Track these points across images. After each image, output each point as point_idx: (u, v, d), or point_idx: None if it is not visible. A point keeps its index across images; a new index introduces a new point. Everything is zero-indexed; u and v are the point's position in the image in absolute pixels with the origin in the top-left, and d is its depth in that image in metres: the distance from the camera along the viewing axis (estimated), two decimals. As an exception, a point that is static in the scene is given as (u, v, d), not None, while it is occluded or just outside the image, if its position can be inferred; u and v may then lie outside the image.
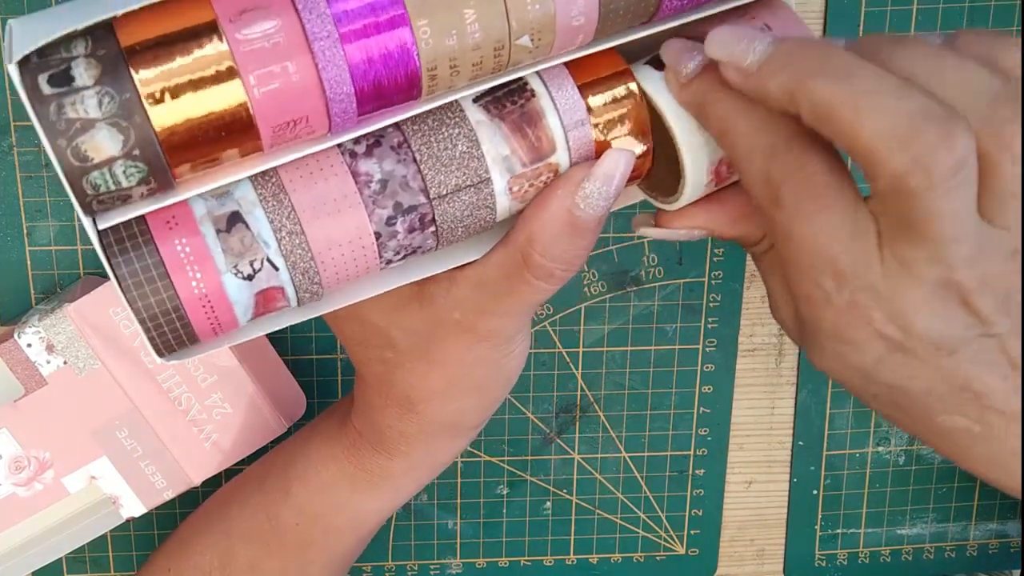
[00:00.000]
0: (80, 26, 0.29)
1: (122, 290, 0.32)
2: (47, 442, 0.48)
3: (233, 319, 0.34)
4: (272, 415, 0.50)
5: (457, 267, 0.37)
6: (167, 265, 0.32)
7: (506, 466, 0.56)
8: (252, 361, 0.50)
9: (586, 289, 0.54)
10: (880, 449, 0.57)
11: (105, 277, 0.49)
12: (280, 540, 0.45)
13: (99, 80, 0.29)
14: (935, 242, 0.31)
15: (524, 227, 0.35)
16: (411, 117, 0.34)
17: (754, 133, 0.33)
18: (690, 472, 0.57)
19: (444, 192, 0.34)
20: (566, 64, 0.35)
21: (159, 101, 0.30)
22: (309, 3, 0.30)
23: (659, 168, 0.37)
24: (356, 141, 0.34)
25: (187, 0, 0.30)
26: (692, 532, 0.58)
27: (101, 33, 0.30)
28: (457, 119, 0.34)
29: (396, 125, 0.34)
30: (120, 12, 0.30)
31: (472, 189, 0.34)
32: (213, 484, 0.51)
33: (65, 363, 0.47)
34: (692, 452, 0.56)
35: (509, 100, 0.34)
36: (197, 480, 0.50)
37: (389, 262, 0.35)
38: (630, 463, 0.56)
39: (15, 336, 0.47)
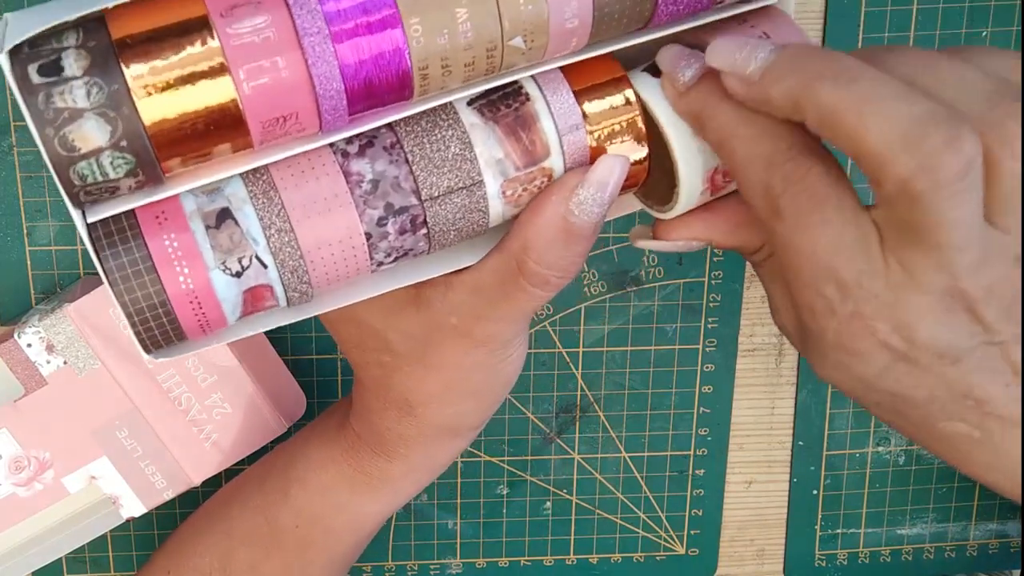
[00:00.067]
0: (71, 17, 0.29)
1: (109, 284, 0.32)
2: (47, 442, 0.48)
3: (221, 316, 0.34)
4: (272, 415, 0.50)
5: (454, 272, 0.37)
6: (155, 260, 0.32)
7: (506, 466, 0.56)
8: (252, 361, 0.50)
9: (586, 289, 0.54)
10: (880, 449, 0.57)
11: (105, 277, 0.49)
12: (280, 542, 0.45)
13: (88, 71, 0.30)
14: (941, 249, 0.31)
15: (519, 233, 0.35)
16: (404, 118, 0.34)
17: (753, 143, 0.33)
18: (690, 472, 0.57)
19: (436, 194, 0.34)
20: (562, 69, 0.35)
21: (148, 93, 0.30)
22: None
23: (655, 176, 0.37)
24: (349, 141, 0.34)
25: None
26: (692, 532, 0.58)
27: (93, 25, 0.30)
28: (451, 121, 0.34)
29: (389, 126, 0.34)
30: (112, 5, 0.30)
31: (464, 191, 0.34)
32: (213, 484, 0.51)
33: (65, 363, 0.47)
34: (692, 452, 0.56)
35: (504, 103, 0.34)
36: (197, 480, 0.50)
37: (380, 264, 0.35)
38: (630, 463, 0.56)
39: (15, 336, 0.47)
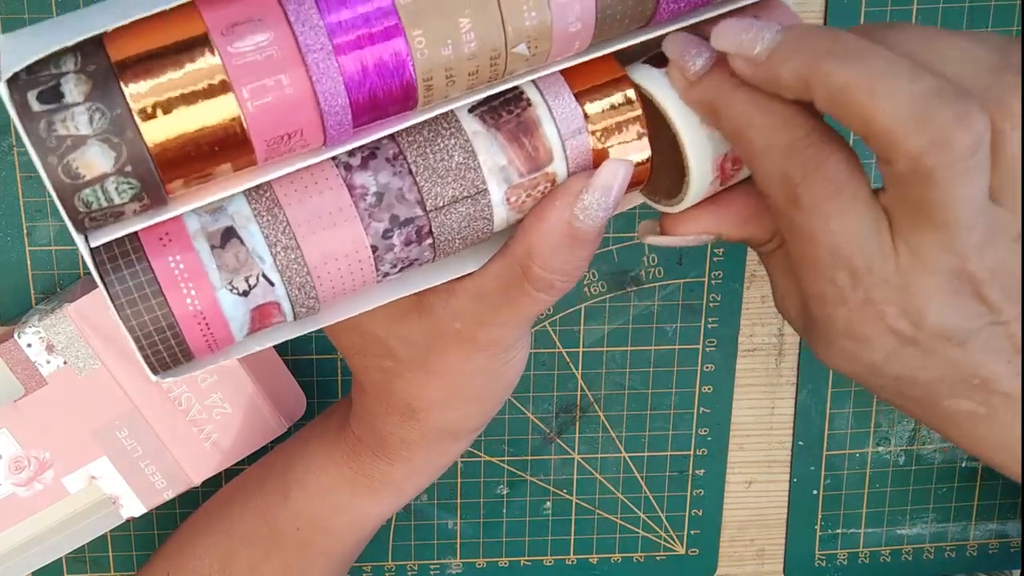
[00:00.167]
0: (70, 42, 0.29)
1: (116, 308, 0.32)
2: (47, 442, 0.48)
3: (229, 335, 0.33)
4: (272, 415, 0.50)
5: (456, 278, 0.37)
6: (161, 282, 0.32)
7: (506, 466, 0.56)
8: (252, 361, 0.50)
9: (586, 289, 0.54)
10: (880, 449, 0.57)
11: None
12: (280, 543, 0.45)
13: (89, 96, 0.29)
14: (949, 228, 0.31)
15: (523, 239, 0.35)
16: (406, 128, 0.33)
17: (771, 131, 0.33)
18: (690, 472, 0.57)
19: (441, 204, 0.34)
20: (562, 71, 0.35)
21: (151, 116, 0.29)
22: (302, 15, 0.30)
23: (660, 171, 0.37)
24: (351, 153, 0.33)
25: (178, 14, 0.30)
26: (692, 532, 0.58)
27: (91, 48, 0.29)
28: (453, 130, 0.34)
29: (391, 137, 0.33)
30: (111, 27, 0.29)
31: (469, 200, 0.34)
32: (213, 484, 0.51)
33: (65, 363, 0.47)
34: (692, 452, 0.56)
35: (505, 110, 0.34)
36: (197, 480, 0.50)
37: (386, 275, 0.35)
38: (630, 463, 0.56)
39: (15, 336, 0.47)
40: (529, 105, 0.34)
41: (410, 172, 0.33)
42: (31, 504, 0.49)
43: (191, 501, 0.51)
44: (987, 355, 0.33)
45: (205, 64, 0.30)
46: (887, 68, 0.30)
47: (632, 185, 0.36)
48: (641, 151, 0.35)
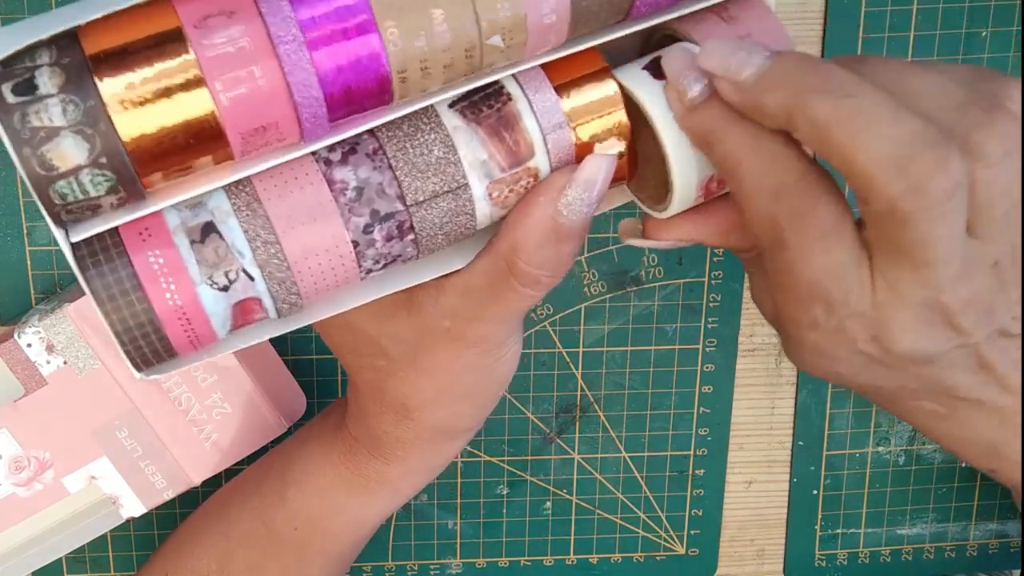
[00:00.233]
0: (44, 35, 0.29)
1: (96, 303, 0.32)
2: (47, 442, 0.48)
3: (211, 331, 0.33)
4: (272, 415, 0.50)
5: (444, 275, 0.37)
6: (140, 277, 0.32)
7: (506, 466, 0.56)
8: (252, 361, 0.50)
9: (586, 289, 0.54)
10: (880, 449, 0.57)
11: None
12: (278, 544, 0.45)
13: (63, 88, 0.29)
14: (928, 266, 0.31)
15: (507, 234, 0.35)
16: (386, 123, 0.33)
17: (761, 174, 0.32)
18: (690, 472, 0.57)
19: (421, 198, 0.34)
20: (544, 65, 0.34)
21: (124, 108, 0.30)
22: (273, 7, 0.30)
23: (648, 172, 0.37)
24: (331, 149, 0.33)
25: (151, 8, 0.30)
26: (692, 532, 0.58)
27: (66, 42, 0.30)
28: (433, 124, 0.34)
29: (371, 132, 0.33)
30: (84, 21, 0.29)
31: (450, 195, 0.34)
32: (213, 484, 0.51)
33: (65, 363, 0.47)
34: (692, 452, 0.56)
35: (485, 104, 0.34)
36: (197, 480, 0.50)
37: (369, 271, 0.34)
38: (630, 463, 0.56)
39: (15, 336, 0.47)
40: (509, 99, 0.34)
41: (390, 167, 0.33)
42: (31, 504, 0.49)
43: (191, 501, 0.51)
44: (953, 370, 0.34)
45: (178, 57, 0.30)
46: (869, 108, 0.30)
47: (616, 179, 0.36)
48: (622, 146, 0.35)
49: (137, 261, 0.32)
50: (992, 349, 0.34)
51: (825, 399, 0.56)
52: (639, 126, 0.35)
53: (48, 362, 0.47)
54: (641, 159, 0.36)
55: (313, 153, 0.33)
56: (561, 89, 0.34)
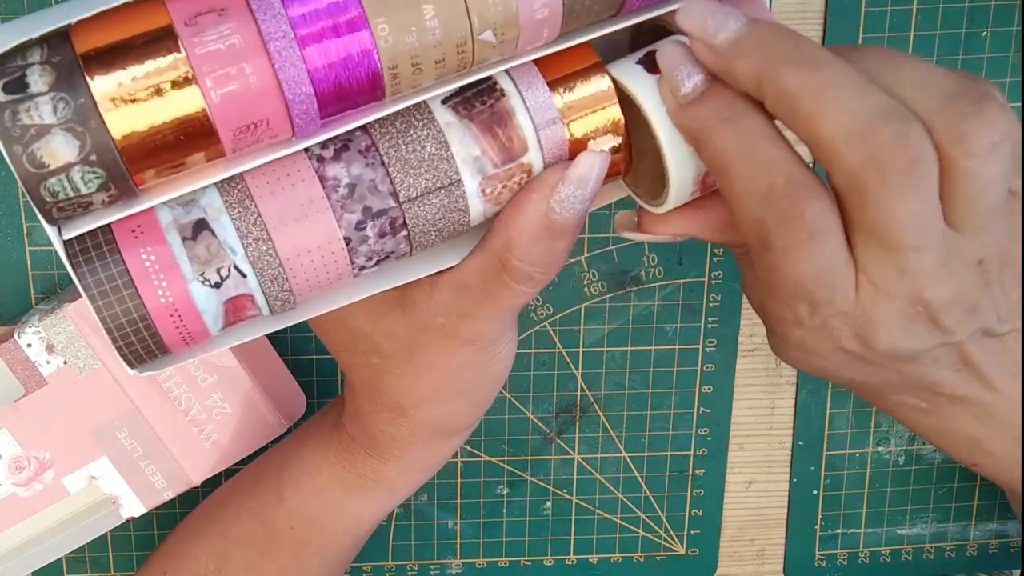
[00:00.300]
0: (35, 34, 0.29)
1: (88, 300, 0.32)
2: (47, 442, 0.48)
3: (203, 328, 0.33)
4: (272, 415, 0.50)
5: (438, 272, 0.37)
6: (132, 274, 0.32)
7: (506, 466, 0.56)
8: (252, 361, 0.50)
9: (586, 289, 0.54)
10: (880, 449, 0.57)
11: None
12: (275, 544, 0.45)
13: (54, 86, 0.29)
14: (899, 250, 0.32)
15: (501, 231, 0.35)
16: (379, 120, 0.33)
17: (749, 176, 0.32)
18: (690, 472, 0.57)
19: (414, 195, 0.34)
20: (536, 61, 0.34)
21: (115, 106, 0.30)
22: (264, 4, 0.30)
23: (644, 166, 0.36)
24: (324, 146, 0.33)
25: (142, 5, 0.30)
26: (692, 532, 0.58)
27: (57, 41, 0.30)
28: (426, 121, 0.34)
29: (364, 128, 0.33)
30: (75, 19, 0.30)
31: (443, 191, 0.34)
32: (213, 484, 0.51)
33: (65, 363, 0.47)
34: (692, 452, 0.56)
35: (478, 100, 0.34)
36: (197, 480, 0.50)
37: (362, 268, 0.34)
38: (630, 463, 0.56)
39: (15, 336, 0.47)
40: (502, 95, 0.34)
41: (382, 163, 0.33)
42: (31, 504, 0.49)
43: (191, 501, 0.51)
44: (936, 367, 0.34)
45: (169, 54, 0.30)
46: (838, 81, 0.31)
47: (610, 175, 0.36)
48: (617, 141, 0.35)
49: (129, 258, 0.32)
50: (976, 348, 0.34)
51: (825, 399, 0.56)
52: (634, 121, 0.35)
53: (48, 362, 0.47)
54: (637, 153, 0.36)
55: (306, 150, 0.33)
56: (554, 85, 0.34)
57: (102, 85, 0.30)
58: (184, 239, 0.32)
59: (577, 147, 0.35)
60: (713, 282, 0.54)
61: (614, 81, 0.35)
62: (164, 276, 0.32)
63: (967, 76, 0.33)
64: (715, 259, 0.54)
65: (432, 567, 0.57)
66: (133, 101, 0.30)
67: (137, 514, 0.50)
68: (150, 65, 0.30)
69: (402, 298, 0.38)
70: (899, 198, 0.31)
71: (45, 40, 0.30)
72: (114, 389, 0.48)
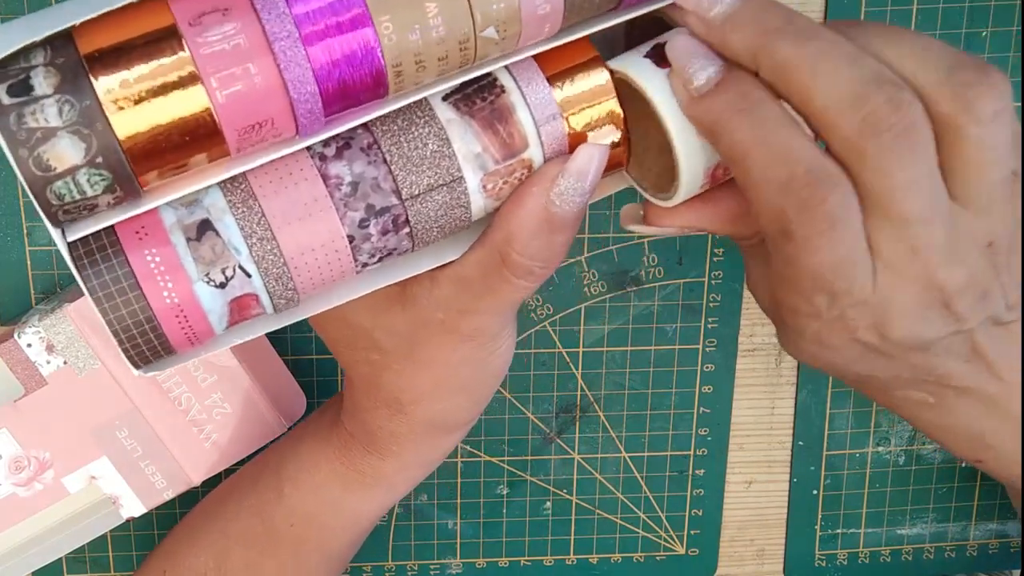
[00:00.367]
0: (39, 37, 0.29)
1: (93, 302, 0.32)
2: (47, 442, 0.48)
3: (208, 328, 0.33)
4: (272, 415, 0.50)
5: (438, 267, 0.37)
6: (137, 276, 0.32)
7: (506, 466, 0.56)
8: (252, 361, 0.50)
9: (586, 289, 0.54)
10: (880, 449, 0.57)
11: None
12: (275, 541, 0.45)
13: (59, 88, 0.29)
14: (905, 223, 0.32)
15: (501, 225, 0.35)
16: (380, 118, 0.34)
17: (768, 165, 0.32)
18: (690, 472, 0.57)
19: (416, 192, 0.34)
20: (536, 56, 0.34)
21: (120, 107, 0.30)
22: (268, 4, 0.30)
23: (651, 157, 0.36)
24: (325, 144, 0.33)
25: (146, 6, 0.30)
26: (692, 532, 0.58)
27: (60, 42, 0.30)
28: (427, 118, 0.34)
29: (365, 126, 0.34)
30: (79, 21, 0.29)
31: (445, 188, 0.34)
32: (213, 484, 0.51)
33: (65, 363, 0.47)
34: (692, 452, 0.56)
35: (479, 97, 0.34)
36: (197, 480, 0.50)
37: (365, 265, 0.35)
38: (630, 463, 0.56)
39: (15, 336, 0.47)
40: (503, 92, 0.34)
41: (385, 161, 0.33)
42: (31, 504, 0.49)
43: (191, 501, 0.51)
44: (946, 358, 0.34)
45: (174, 55, 0.30)
46: (830, 51, 0.31)
47: (610, 168, 0.36)
48: (617, 134, 0.35)
49: (134, 260, 0.32)
50: (985, 336, 0.34)
51: (825, 399, 0.56)
52: (640, 114, 0.35)
53: (48, 362, 0.47)
54: (642, 147, 0.36)
55: (308, 149, 0.33)
56: (553, 80, 0.34)
57: (107, 86, 0.30)
58: (188, 240, 0.32)
59: (577, 141, 0.35)
60: (713, 282, 0.54)
61: (613, 74, 0.35)
62: (169, 277, 0.32)
63: (963, 52, 0.33)
64: (715, 259, 0.54)
65: (432, 567, 0.57)
66: (138, 102, 0.30)
67: (137, 514, 0.50)
68: (154, 65, 0.30)
69: (402, 294, 0.38)
70: (897, 164, 0.31)
71: (48, 42, 0.30)
72: (114, 389, 0.48)
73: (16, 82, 0.29)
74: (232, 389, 0.49)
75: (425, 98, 0.34)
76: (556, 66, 0.35)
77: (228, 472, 0.50)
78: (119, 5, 0.30)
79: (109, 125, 0.30)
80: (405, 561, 0.56)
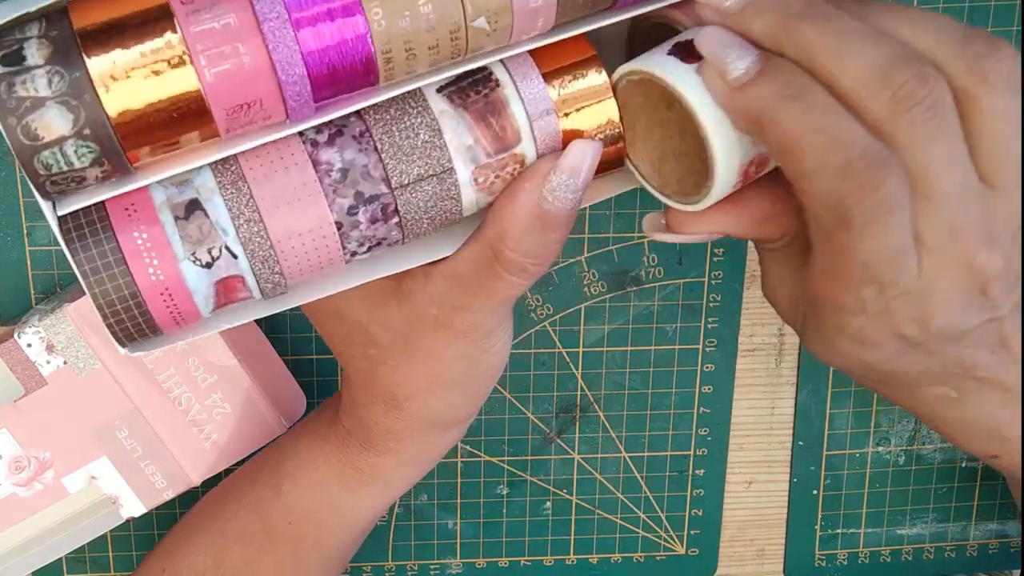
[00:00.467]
0: (33, 8, 0.30)
1: (80, 276, 0.33)
2: (47, 442, 0.48)
3: (194, 309, 0.34)
4: (272, 415, 0.50)
5: (433, 262, 0.37)
6: (124, 252, 0.32)
7: (506, 466, 0.56)
8: (252, 361, 0.50)
9: (586, 289, 0.54)
10: (880, 449, 0.57)
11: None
12: (273, 539, 0.45)
13: (50, 59, 0.30)
14: (941, 201, 0.32)
15: (494, 221, 0.35)
16: (373, 106, 0.34)
17: (824, 151, 0.32)
18: (690, 472, 0.57)
19: (406, 181, 0.34)
20: (533, 52, 0.35)
21: (111, 82, 0.30)
22: None
23: (669, 165, 0.36)
24: (318, 130, 0.34)
25: None
26: (692, 532, 0.58)
27: (55, 16, 0.30)
28: (420, 108, 0.34)
29: (358, 114, 0.34)
30: None
31: (435, 179, 0.34)
32: (213, 484, 0.51)
33: (65, 363, 0.47)
34: (692, 452, 0.56)
35: (473, 90, 0.34)
36: (197, 480, 0.50)
37: (354, 254, 0.35)
38: (630, 463, 0.56)
39: (15, 336, 0.47)
40: (497, 86, 0.34)
41: (376, 149, 0.34)
42: (31, 504, 0.49)
43: (191, 501, 0.51)
44: (976, 348, 0.34)
45: (164, 32, 0.30)
46: (853, 31, 0.31)
47: (607, 167, 0.35)
48: (612, 131, 0.35)
49: (122, 236, 0.32)
50: (1010, 324, 0.34)
51: (825, 399, 0.56)
52: (653, 122, 0.35)
53: (48, 362, 0.47)
54: (658, 155, 0.36)
55: (301, 135, 0.33)
56: (549, 77, 0.34)
57: (98, 61, 0.30)
58: (176, 218, 0.33)
59: (571, 138, 0.35)
60: (713, 282, 0.54)
61: (632, 76, 0.34)
62: (156, 255, 0.33)
63: (972, 26, 0.33)
64: (715, 259, 0.54)
65: (432, 567, 0.57)
66: (128, 77, 0.30)
67: (137, 514, 0.50)
68: (146, 42, 0.30)
69: (397, 288, 0.38)
70: (931, 139, 0.31)
71: (43, 15, 0.30)
72: (114, 389, 0.48)
73: (9, 52, 0.30)
74: (232, 389, 0.49)
75: (419, 89, 0.34)
76: (553, 63, 0.35)
77: (228, 472, 0.50)
78: None
79: (97, 97, 0.30)
80: (405, 561, 0.56)
